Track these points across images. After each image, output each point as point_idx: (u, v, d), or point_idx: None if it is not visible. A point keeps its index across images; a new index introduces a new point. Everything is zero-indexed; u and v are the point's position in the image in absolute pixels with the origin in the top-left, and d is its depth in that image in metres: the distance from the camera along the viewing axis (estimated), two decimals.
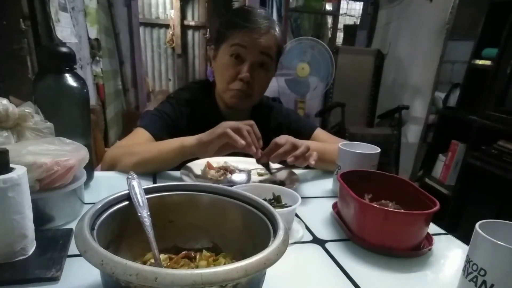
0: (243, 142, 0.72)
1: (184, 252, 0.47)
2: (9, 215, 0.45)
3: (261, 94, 1.02)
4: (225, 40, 0.94)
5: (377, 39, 3.23)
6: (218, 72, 0.97)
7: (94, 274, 0.38)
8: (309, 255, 0.57)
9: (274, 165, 0.92)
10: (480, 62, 2.07)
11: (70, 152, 0.57)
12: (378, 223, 0.57)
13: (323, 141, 1.00)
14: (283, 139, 0.77)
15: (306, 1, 3.86)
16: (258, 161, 0.80)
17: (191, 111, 1.01)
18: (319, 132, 1.06)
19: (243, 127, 0.74)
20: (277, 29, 0.94)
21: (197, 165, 0.86)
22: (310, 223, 0.66)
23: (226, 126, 0.74)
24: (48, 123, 0.62)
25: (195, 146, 0.77)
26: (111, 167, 0.85)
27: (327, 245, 0.59)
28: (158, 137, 0.90)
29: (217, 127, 0.75)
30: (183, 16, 4.44)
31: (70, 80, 0.66)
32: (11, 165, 0.46)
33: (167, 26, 4.47)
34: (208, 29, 4.40)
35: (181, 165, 0.84)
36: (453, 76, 2.67)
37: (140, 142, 0.89)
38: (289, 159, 0.74)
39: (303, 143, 0.77)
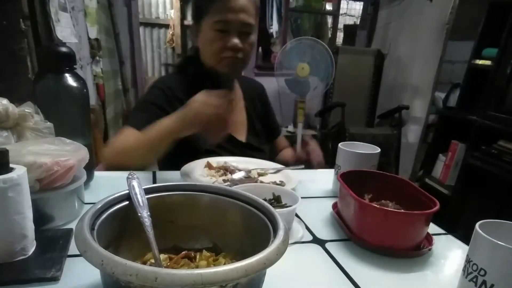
0: (214, 111, 0.74)
1: (184, 252, 0.47)
2: (9, 215, 0.45)
3: (249, 58, 1.03)
4: (206, 14, 0.95)
5: (377, 39, 3.23)
6: (205, 47, 0.99)
7: (94, 274, 0.38)
8: (309, 255, 0.57)
9: (274, 165, 0.92)
10: (480, 62, 2.07)
11: (70, 152, 0.57)
12: (378, 223, 0.57)
13: (284, 145, 1.25)
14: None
15: (306, 1, 3.86)
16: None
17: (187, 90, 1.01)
18: (282, 137, 1.28)
19: (211, 100, 0.75)
20: None
21: (197, 165, 0.86)
22: (310, 223, 0.66)
23: (195, 109, 0.75)
24: (48, 123, 0.62)
25: (180, 129, 0.78)
26: (112, 168, 0.84)
27: (327, 245, 0.59)
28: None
29: (187, 111, 0.76)
30: (183, 16, 4.43)
31: (70, 80, 0.66)
32: (11, 165, 0.46)
33: (167, 26, 4.46)
34: None
35: (181, 165, 0.84)
36: (453, 76, 2.67)
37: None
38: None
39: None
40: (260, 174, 0.87)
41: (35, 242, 0.50)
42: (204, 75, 1.02)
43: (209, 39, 0.96)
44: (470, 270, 0.44)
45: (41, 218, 0.54)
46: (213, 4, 0.93)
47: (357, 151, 0.77)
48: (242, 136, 1.09)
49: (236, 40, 0.94)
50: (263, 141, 1.15)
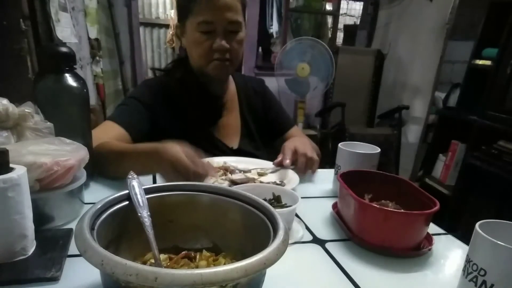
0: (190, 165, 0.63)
1: (184, 252, 0.47)
2: (9, 215, 0.45)
3: (239, 57, 0.98)
4: (189, 15, 0.90)
5: (377, 39, 3.22)
6: (192, 49, 0.94)
7: (94, 274, 0.38)
8: (309, 255, 0.57)
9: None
10: (480, 62, 2.07)
11: (70, 152, 0.57)
12: (378, 223, 0.57)
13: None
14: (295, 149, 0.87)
15: (306, 1, 3.86)
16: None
17: (170, 91, 0.98)
18: (294, 130, 1.14)
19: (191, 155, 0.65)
20: None
21: None
22: (310, 223, 0.66)
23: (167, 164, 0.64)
24: (48, 123, 0.62)
25: (146, 154, 0.70)
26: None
27: (327, 245, 0.59)
28: (130, 126, 0.88)
29: (160, 161, 0.66)
30: None
31: (70, 80, 0.67)
32: (11, 165, 0.46)
33: (167, 26, 4.46)
34: None
35: None
36: (453, 76, 2.67)
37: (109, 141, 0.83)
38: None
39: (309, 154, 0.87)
40: (260, 174, 0.87)
41: (35, 242, 0.50)
42: (191, 79, 0.98)
43: (194, 41, 0.91)
44: (470, 270, 0.44)
45: (41, 218, 0.54)
46: (195, 3, 0.87)
47: (357, 151, 0.77)
48: (234, 142, 1.04)
49: (222, 41, 0.89)
50: (259, 145, 1.09)
